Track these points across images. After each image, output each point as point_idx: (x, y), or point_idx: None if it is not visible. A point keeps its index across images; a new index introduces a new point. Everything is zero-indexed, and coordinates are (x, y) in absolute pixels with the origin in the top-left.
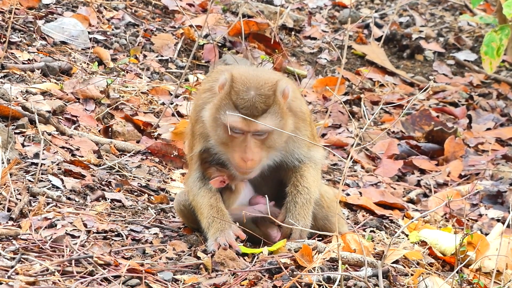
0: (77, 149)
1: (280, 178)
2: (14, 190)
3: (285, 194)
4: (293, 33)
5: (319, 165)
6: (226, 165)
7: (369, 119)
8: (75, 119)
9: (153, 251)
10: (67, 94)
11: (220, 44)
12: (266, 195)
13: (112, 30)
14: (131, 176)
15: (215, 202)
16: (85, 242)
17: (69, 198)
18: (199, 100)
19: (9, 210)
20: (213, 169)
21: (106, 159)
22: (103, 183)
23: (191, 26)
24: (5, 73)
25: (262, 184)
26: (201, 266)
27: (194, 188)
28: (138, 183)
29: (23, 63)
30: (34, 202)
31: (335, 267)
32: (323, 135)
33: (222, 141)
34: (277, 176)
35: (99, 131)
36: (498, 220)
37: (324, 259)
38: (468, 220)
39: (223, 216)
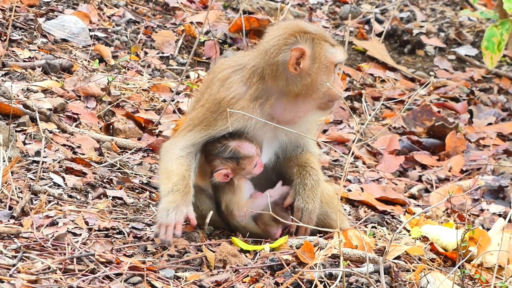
0: (78, 147)
1: (277, 176)
2: (16, 188)
3: (292, 175)
4: None
5: (317, 157)
6: (231, 158)
7: (370, 115)
8: (76, 116)
9: (155, 248)
10: (68, 92)
11: (221, 41)
12: (266, 191)
13: (113, 27)
14: (132, 173)
15: (188, 176)
16: (87, 240)
17: (70, 196)
18: (229, 79)
19: (10, 208)
20: (217, 162)
21: (107, 156)
22: (105, 180)
23: (191, 23)
24: (6, 71)
25: (260, 180)
26: (203, 263)
27: (174, 151)
28: (139, 181)
29: (24, 61)
30: (35, 200)
31: (336, 263)
32: (324, 131)
33: (325, 83)
34: (274, 172)
35: (100, 128)
36: (499, 215)
37: (325, 255)
38: (469, 215)
39: (188, 193)
